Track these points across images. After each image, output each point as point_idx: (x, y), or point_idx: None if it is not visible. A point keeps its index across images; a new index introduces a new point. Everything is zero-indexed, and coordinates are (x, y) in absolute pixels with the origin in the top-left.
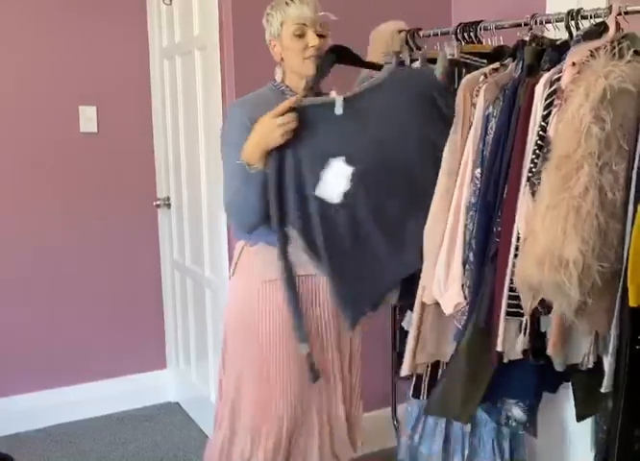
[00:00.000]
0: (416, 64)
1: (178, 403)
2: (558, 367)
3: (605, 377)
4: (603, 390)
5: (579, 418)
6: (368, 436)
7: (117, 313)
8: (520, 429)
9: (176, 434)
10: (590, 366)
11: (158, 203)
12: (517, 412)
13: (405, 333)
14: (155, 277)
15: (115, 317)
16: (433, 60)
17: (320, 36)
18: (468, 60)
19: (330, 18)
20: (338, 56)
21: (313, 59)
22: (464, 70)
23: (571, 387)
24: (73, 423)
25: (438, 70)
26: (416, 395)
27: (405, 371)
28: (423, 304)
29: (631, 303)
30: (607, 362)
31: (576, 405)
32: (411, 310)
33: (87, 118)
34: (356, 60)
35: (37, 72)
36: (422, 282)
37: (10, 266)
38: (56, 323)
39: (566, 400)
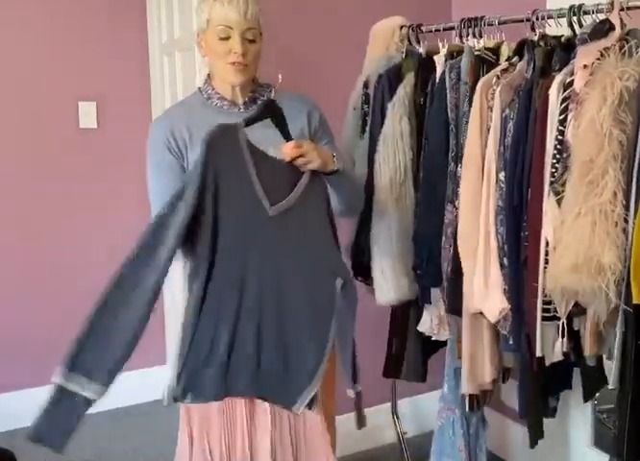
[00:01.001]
0: (440, 59)
1: None
2: (591, 362)
3: (612, 374)
4: (610, 386)
5: (587, 398)
6: (368, 431)
7: None
8: (552, 415)
9: (176, 430)
10: (615, 357)
11: None
12: (552, 402)
13: (418, 336)
14: None
15: None
16: (454, 55)
17: (250, 41)
18: (486, 57)
19: (260, 24)
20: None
21: (237, 66)
22: (485, 66)
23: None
24: None
25: (465, 64)
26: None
27: (470, 390)
28: (474, 316)
29: (635, 300)
30: (613, 359)
31: (583, 387)
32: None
33: (87, 114)
34: (280, 124)
35: (37, 68)
36: (465, 293)
37: (10, 263)
38: (57, 319)
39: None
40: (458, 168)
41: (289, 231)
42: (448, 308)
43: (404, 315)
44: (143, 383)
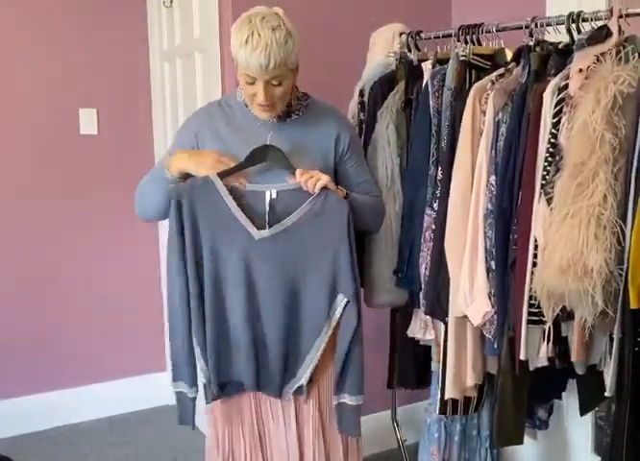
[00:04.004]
0: (427, 66)
1: None
2: (580, 370)
3: (609, 381)
4: (607, 394)
5: (583, 412)
6: (368, 437)
7: (116, 315)
8: (543, 427)
9: (175, 437)
10: (611, 364)
11: None
12: (541, 413)
13: (408, 342)
14: (154, 278)
15: (114, 319)
16: (445, 61)
17: (275, 85)
18: (477, 62)
19: (289, 65)
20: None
21: (262, 107)
22: (474, 72)
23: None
24: (72, 425)
25: (450, 70)
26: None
27: (453, 395)
28: (459, 320)
29: (632, 306)
30: (610, 365)
31: (580, 400)
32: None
33: (88, 120)
34: (281, 162)
35: (38, 74)
36: (451, 296)
37: (10, 267)
38: (55, 325)
39: (564, 401)
40: (439, 172)
41: (283, 249)
42: (426, 311)
43: (395, 321)
44: (142, 390)
